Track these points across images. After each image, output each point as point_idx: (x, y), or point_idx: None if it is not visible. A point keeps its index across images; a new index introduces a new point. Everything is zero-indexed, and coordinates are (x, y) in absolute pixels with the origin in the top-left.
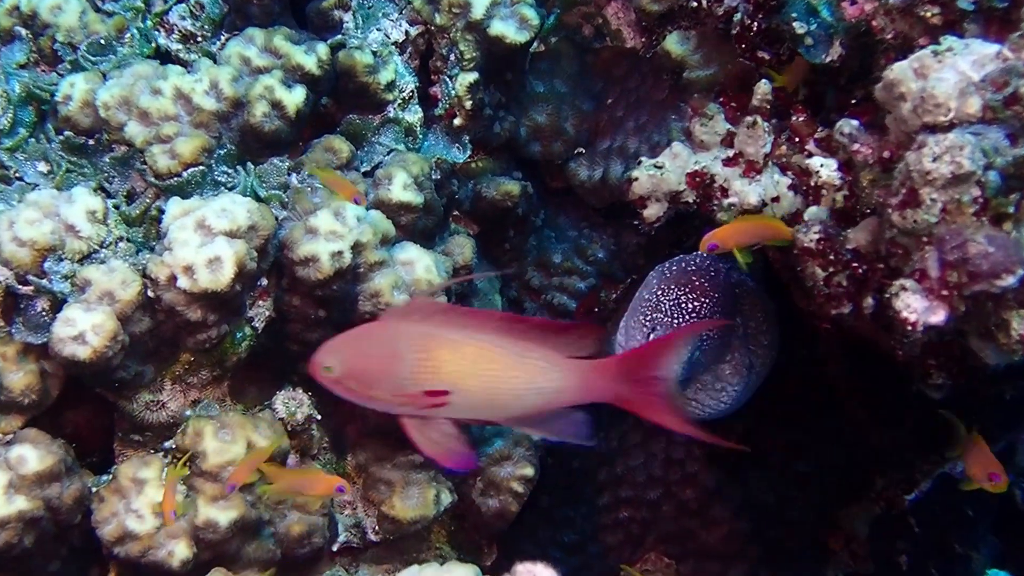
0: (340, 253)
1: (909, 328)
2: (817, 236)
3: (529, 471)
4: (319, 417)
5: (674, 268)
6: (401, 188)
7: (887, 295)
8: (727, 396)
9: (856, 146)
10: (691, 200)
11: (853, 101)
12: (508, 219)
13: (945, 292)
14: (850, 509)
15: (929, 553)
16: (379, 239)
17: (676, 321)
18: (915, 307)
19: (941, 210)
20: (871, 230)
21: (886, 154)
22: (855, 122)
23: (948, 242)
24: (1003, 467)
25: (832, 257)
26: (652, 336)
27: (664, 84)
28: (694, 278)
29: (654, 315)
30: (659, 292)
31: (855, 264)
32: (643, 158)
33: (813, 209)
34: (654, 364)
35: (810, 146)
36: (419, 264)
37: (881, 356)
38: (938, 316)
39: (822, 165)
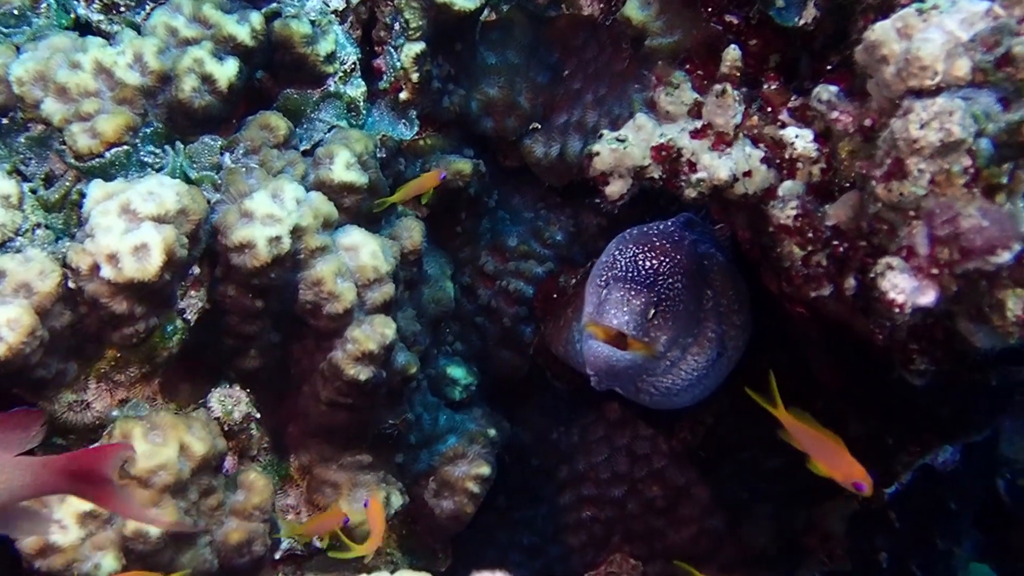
0: (278, 238)
1: (896, 310)
2: (794, 212)
3: (485, 470)
4: (258, 415)
5: (634, 231)
6: (344, 167)
7: (871, 275)
8: (695, 372)
9: (835, 114)
10: (657, 176)
11: (829, 67)
12: (459, 200)
13: (935, 270)
14: (826, 505)
15: (910, 549)
16: (320, 223)
17: (631, 276)
18: (902, 287)
19: (929, 181)
20: (852, 205)
21: (867, 122)
22: (833, 88)
23: (938, 216)
24: (864, 469)
25: (811, 235)
26: (605, 294)
27: (624, 53)
28: (654, 239)
29: (609, 273)
30: (616, 252)
31: (835, 242)
32: (604, 131)
33: (788, 183)
34: (99, 467)
35: (783, 116)
36: (364, 249)
37: (859, 341)
38: (927, 296)
39: (797, 136)
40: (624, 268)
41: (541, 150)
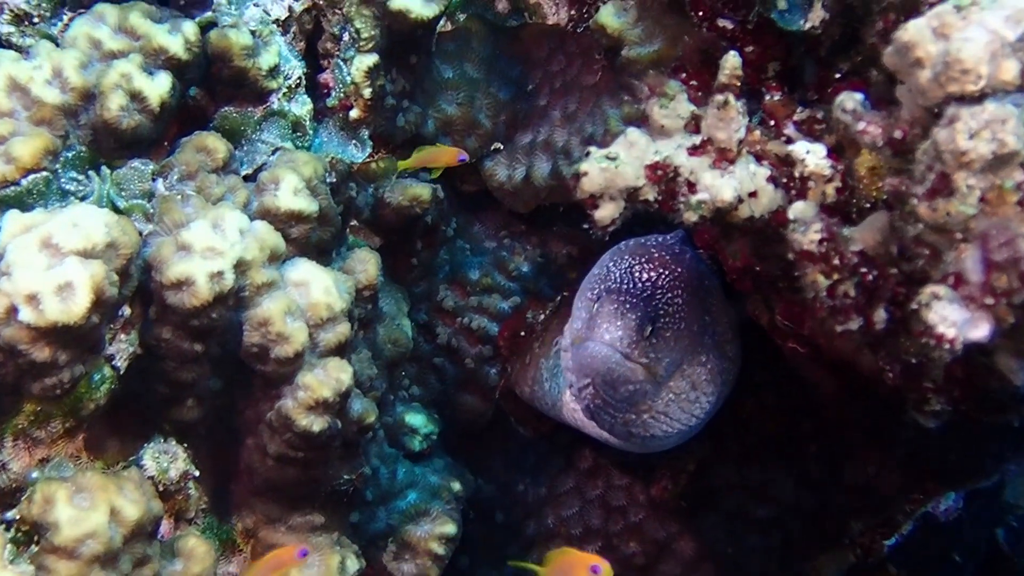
0: (220, 273)
1: (947, 346)
2: (819, 236)
3: (450, 528)
4: (197, 473)
5: (631, 243)
6: (291, 194)
7: (913, 306)
8: (699, 410)
9: (862, 125)
10: (652, 198)
11: (837, 76)
12: (416, 229)
13: (989, 300)
14: (821, 559)
15: None
16: (267, 256)
17: (627, 288)
18: (953, 319)
19: (980, 199)
20: (880, 228)
21: (897, 134)
22: (859, 96)
23: (993, 239)
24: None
25: (837, 262)
26: (597, 308)
27: (596, 65)
28: (653, 250)
29: (601, 286)
30: (610, 264)
31: (863, 269)
32: (592, 148)
33: (800, 205)
34: None
35: (789, 130)
36: (316, 284)
37: (861, 380)
38: (981, 330)
39: (808, 152)
40: (619, 280)
41: (504, 173)
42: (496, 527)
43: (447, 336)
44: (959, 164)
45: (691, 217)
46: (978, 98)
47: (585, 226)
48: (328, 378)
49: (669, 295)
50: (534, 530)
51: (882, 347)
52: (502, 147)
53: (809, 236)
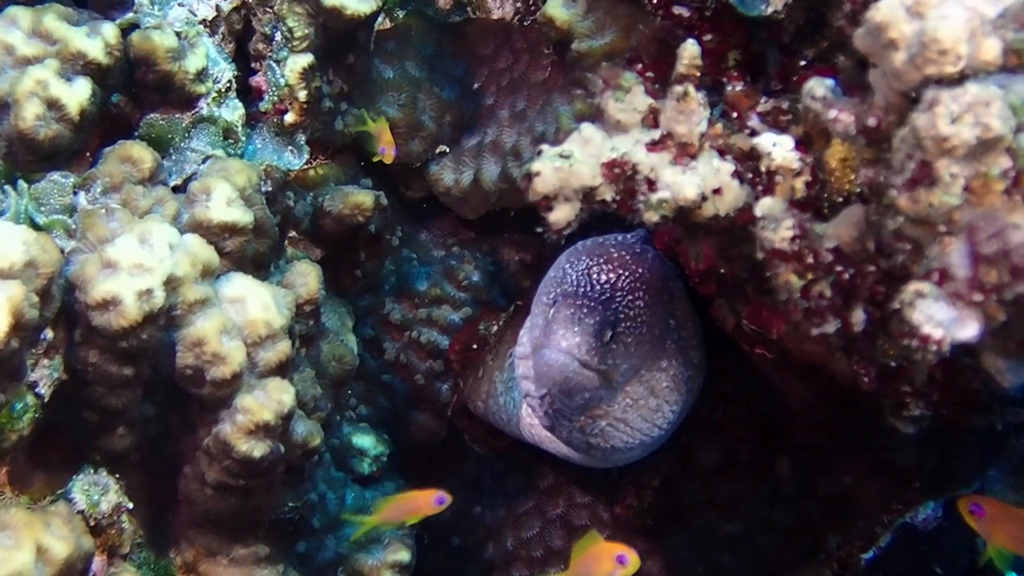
0: (149, 291)
1: (933, 347)
2: (790, 233)
3: (404, 555)
4: (130, 505)
5: (588, 243)
6: (224, 204)
7: (895, 305)
8: (662, 419)
9: (833, 113)
10: (609, 198)
11: (802, 63)
12: (359, 239)
13: (978, 296)
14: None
15: None
16: (199, 271)
17: (584, 291)
18: (939, 319)
19: (964, 188)
20: (855, 223)
21: (871, 121)
22: (830, 81)
23: (981, 230)
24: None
25: (811, 260)
26: (553, 313)
27: (545, 61)
28: (612, 250)
29: (558, 290)
30: (566, 266)
31: (839, 268)
32: (544, 146)
33: (767, 201)
34: None
35: (753, 122)
36: (253, 301)
37: (834, 385)
38: (969, 329)
39: (775, 144)
40: (575, 282)
41: (451, 177)
42: (453, 552)
43: (395, 351)
44: (941, 151)
45: (652, 217)
46: (958, 80)
47: (539, 230)
48: (269, 400)
49: (630, 298)
50: (493, 554)
51: (856, 350)
52: (448, 150)
53: (780, 233)
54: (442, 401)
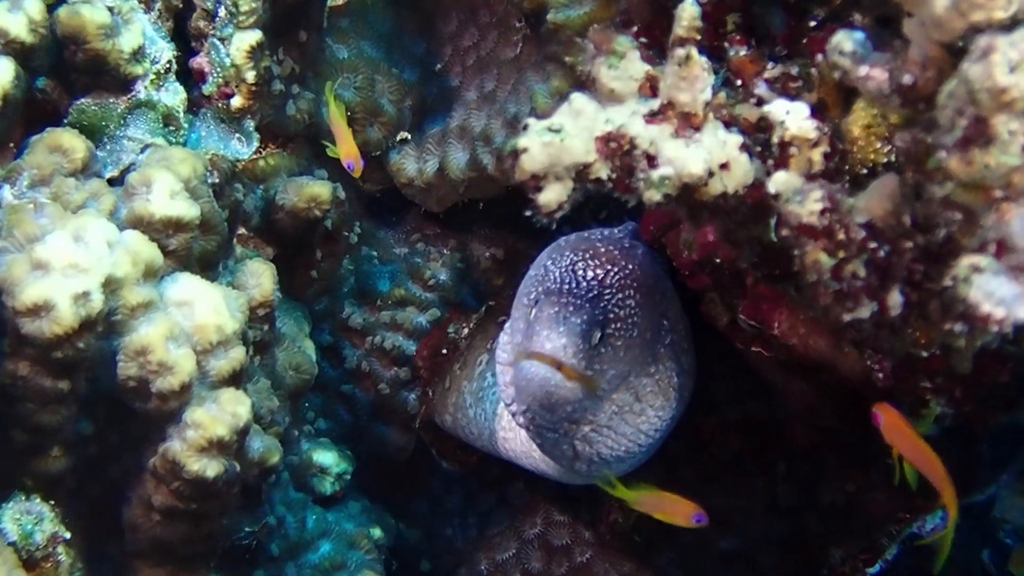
0: (86, 295)
1: (994, 327)
2: (819, 206)
3: None
4: (67, 535)
5: (571, 238)
6: (167, 197)
7: (947, 282)
8: (649, 427)
9: (864, 70)
10: (605, 176)
11: (812, 24)
12: (314, 236)
13: None
14: None
15: None
16: (141, 271)
17: (569, 288)
18: (1000, 295)
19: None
20: (888, 194)
21: (907, 79)
22: (859, 34)
23: None
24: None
25: (842, 236)
26: (536, 313)
27: (515, 36)
28: (598, 245)
29: (539, 288)
30: (548, 262)
31: (873, 244)
32: (531, 120)
33: (782, 176)
34: None
35: (760, 89)
36: (202, 303)
37: (839, 385)
38: None
39: (788, 112)
40: (559, 279)
41: (413, 167)
42: None
43: (356, 359)
44: (998, 105)
45: (653, 196)
46: (1008, 27)
47: (528, 213)
48: (222, 413)
49: (620, 296)
50: None
51: (870, 343)
52: (410, 137)
53: (808, 206)
54: (409, 412)
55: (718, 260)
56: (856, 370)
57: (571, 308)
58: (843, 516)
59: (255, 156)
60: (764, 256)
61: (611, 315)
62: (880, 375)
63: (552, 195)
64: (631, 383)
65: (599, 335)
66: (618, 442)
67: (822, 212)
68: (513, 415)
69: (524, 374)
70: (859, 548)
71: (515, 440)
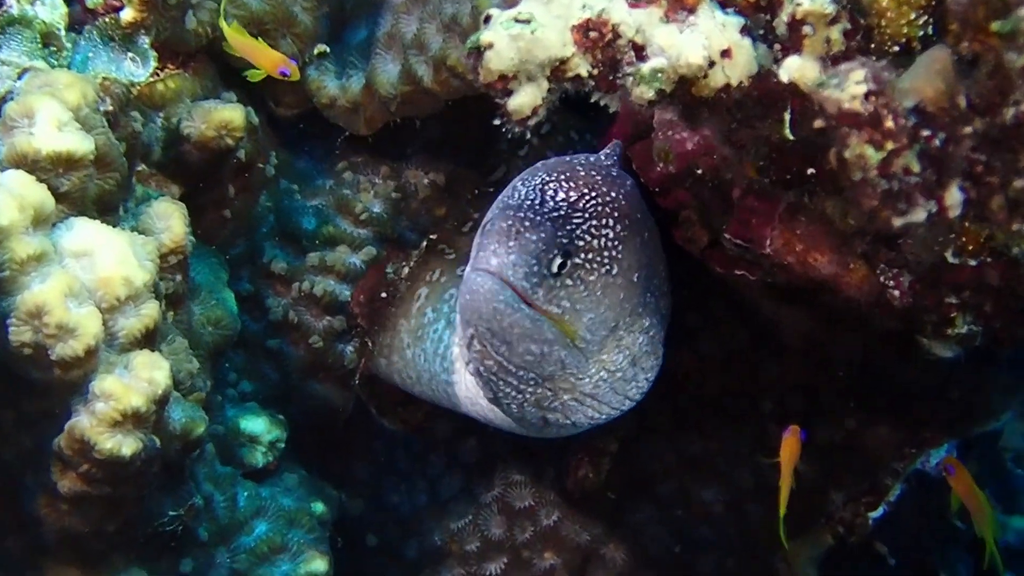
0: None
1: None
2: (863, 88)
3: (320, 565)
4: None
5: (551, 161)
6: (54, 129)
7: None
8: (636, 391)
9: None
10: (585, 72)
11: None
12: (225, 169)
13: None
14: (791, 544)
15: None
16: (30, 218)
17: (530, 204)
18: None
19: None
20: (939, 70)
21: None
22: None
23: None
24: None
25: (891, 124)
26: (488, 227)
27: None
28: (579, 168)
29: (500, 204)
30: (518, 183)
31: (926, 132)
32: (493, 10)
33: (795, 61)
34: None
35: None
36: (105, 252)
37: (840, 308)
38: None
39: None
40: (522, 196)
41: (335, 84)
42: (368, 553)
43: (282, 309)
44: None
45: (645, 93)
46: None
47: (497, 122)
48: (136, 380)
49: (594, 223)
50: (417, 552)
51: (883, 257)
52: (328, 50)
53: (850, 90)
54: (346, 367)
55: (699, 171)
56: (864, 289)
57: (527, 223)
58: (843, 455)
59: (152, 79)
60: (773, 157)
61: (580, 243)
62: (896, 292)
63: (525, 99)
64: (623, 341)
65: (561, 262)
66: (599, 411)
67: (867, 96)
68: (463, 351)
69: (467, 285)
70: (860, 490)
71: (461, 384)
